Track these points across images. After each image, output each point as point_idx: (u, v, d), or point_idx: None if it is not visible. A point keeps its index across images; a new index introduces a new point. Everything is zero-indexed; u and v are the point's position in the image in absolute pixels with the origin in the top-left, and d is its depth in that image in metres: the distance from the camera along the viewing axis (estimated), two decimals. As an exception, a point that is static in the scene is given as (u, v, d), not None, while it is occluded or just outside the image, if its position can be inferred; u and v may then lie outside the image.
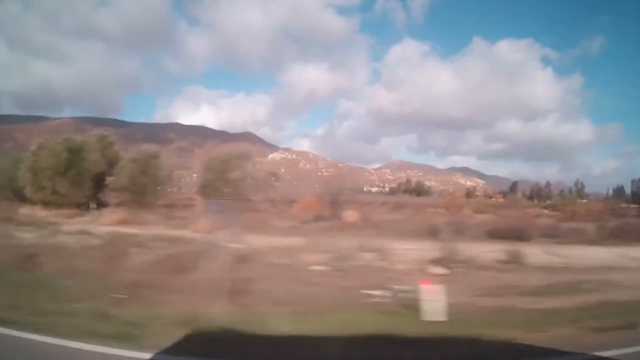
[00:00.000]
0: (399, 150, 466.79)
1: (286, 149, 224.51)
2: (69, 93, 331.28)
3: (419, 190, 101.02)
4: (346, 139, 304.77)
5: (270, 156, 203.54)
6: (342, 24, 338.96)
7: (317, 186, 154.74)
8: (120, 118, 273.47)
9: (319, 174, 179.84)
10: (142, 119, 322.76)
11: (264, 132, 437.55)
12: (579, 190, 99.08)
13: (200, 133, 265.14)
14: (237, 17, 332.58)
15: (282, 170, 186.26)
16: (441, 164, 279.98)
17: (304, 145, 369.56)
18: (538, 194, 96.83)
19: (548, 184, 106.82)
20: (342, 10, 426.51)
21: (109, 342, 4.96)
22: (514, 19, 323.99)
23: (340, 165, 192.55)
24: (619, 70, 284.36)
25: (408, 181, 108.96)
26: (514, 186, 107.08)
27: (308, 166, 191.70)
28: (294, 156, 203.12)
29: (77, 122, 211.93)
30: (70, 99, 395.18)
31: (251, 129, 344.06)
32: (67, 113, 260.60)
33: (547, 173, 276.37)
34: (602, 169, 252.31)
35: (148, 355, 4.53)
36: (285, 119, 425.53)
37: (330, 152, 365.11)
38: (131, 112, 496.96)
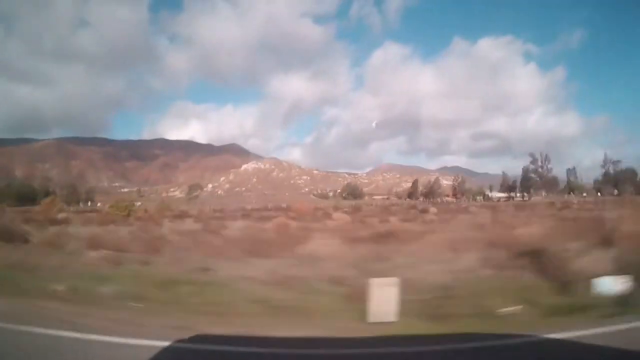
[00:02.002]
0: (389, 154, 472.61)
1: (271, 159, 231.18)
2: (54, 114, 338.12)
3: (355, 194, 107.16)
4: (335, 146, 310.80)
5: (243, 167, 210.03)
6: (320, 32, 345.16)
7: (286, 194, 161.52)
8: (106, 136, 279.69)
9: (292, 182, 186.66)
10: (131, 137, 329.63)
11: (253, 144, 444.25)
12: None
13: (186, 147, 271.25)
14: (213, 31, 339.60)
15: (254, 180, 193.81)
16: (433, 165, 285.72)
17: (295, 154, 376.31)
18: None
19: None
20: (318, 19, 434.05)
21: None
22: (492, 17, 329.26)
23: (315, 172, 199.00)
24: (601, 61, 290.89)
25: (351, 185, 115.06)
26: (504, 181, 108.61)
27: (281, 175, 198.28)
28: (267, 165, 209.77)
29: (62, 143, 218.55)
30: (56, 120, 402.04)
31: (240, 141, 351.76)
32: (54, 134, 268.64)
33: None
34: (591, 161, 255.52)
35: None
36: (273, 129, 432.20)
37: (319, 160, 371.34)
38: (119, 130, 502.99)
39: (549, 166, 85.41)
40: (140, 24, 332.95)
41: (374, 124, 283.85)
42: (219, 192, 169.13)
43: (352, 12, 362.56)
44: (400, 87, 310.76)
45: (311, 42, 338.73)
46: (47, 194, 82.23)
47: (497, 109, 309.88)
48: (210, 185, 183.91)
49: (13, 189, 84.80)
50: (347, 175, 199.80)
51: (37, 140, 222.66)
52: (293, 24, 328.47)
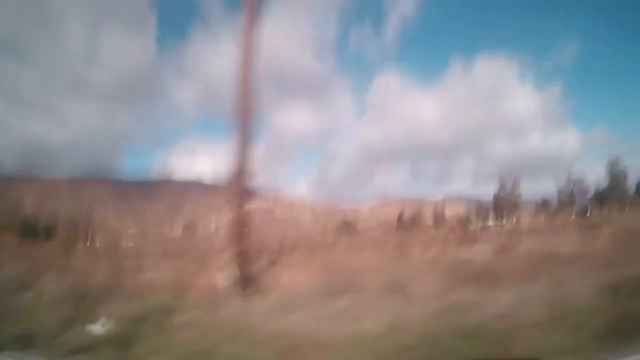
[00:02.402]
0: (393, 185, 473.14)
1: (274, 196, 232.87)
2: (65, 151, 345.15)
3: (347, 227, 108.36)
4: (340, 179, 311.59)
5: (244, 207, 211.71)
6: (319, 64, 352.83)
7: (290, 231, 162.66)
8: (115, 174, 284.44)
9: (294, 219, 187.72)
10: (139, 175, 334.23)
11: (257, 180, 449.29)
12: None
13: (192, 186, 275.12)
14: (218, 64, 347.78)
15: (257, 219, 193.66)
16: (437, 193, 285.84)
17: (299, 190, 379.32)
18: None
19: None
20: (317, 49, 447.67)
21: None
22: (487, 36, 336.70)
23: (317, 209, 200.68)
24: (596, 73, 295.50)
25: (346, 221, 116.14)
26: (477, 207, 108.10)
27: (283, 213, 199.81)
28: (270, 204, 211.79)
29: (70, 180, 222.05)
30: (67, 157, 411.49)
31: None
32: (64, 171, 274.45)
33: (544, 187, 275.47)
34: (595, 175, 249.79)
35: None
36: (277, 164, 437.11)
37: (324, 194, 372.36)
38: (129, 166, 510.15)
39: (518, 191, 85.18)
40: (148, 58, 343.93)
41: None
42: (221, 231, 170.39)
43: (351, 42, 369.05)
44: (401, 115, 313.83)
45: (312, 74, 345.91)
46: (51, 230, 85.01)
47: (497, 131, 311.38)
48: (213, 225, 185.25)
49: (16, 224, 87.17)
50: (348, 210, 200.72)
51: (46, 178, 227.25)
52: (293, 55, 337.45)
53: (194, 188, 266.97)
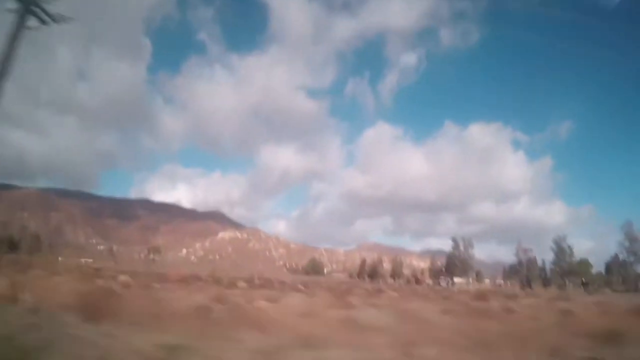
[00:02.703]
0: (374, 233, 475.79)
1: (252, 229, 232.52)
2: (42, 164, 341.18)
3: (315, 270, 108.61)
4: (321, 221, 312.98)
5: (220, 235, 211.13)
6: (313, 107, 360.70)
7: (260, 265, 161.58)
8: (91, 191, 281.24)
9: (267, 254, 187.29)
10: (117, 194, 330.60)
11: (238, 212, 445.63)
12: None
13: (170, 211, 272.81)
14: (209, 97, 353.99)
15: (229, 249, 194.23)
16: (417, 246, 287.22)
17: (280, 226, 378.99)
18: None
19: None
20: (312, 93, 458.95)
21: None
22: (484, 104, 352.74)
23: (292, 245, 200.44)
24: (588, 153, 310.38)
25: (313, 261, 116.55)
26: (432, 265, 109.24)
27: (257, 246, 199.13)
28: (245, 235, 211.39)
29: (45, 193, 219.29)
30: (43, 170, 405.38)
31: (225, 209, 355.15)
32: (40, 183, 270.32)
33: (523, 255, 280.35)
34: (577, 251, 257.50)
35: None
36: (260, 199, 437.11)
37: (304, 234, 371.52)
38: (105, 186, 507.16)
39: (471, 251, 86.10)
40: (138, 83, 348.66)
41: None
42: (192, 257, 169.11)
43: (347, 90, 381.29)
44: (389, 167, 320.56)
45: (304, 115, 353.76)
46: (12, 243, 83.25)
47: (484, 194, 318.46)
48: (184, 251, 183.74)
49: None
50: (324, 251, 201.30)
51: (21, 188, 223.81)
52: (288, 96, 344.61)
53: (172, 212, 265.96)
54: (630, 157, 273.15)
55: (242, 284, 32.59)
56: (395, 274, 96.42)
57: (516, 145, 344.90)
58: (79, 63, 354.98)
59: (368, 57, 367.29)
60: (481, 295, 21.47)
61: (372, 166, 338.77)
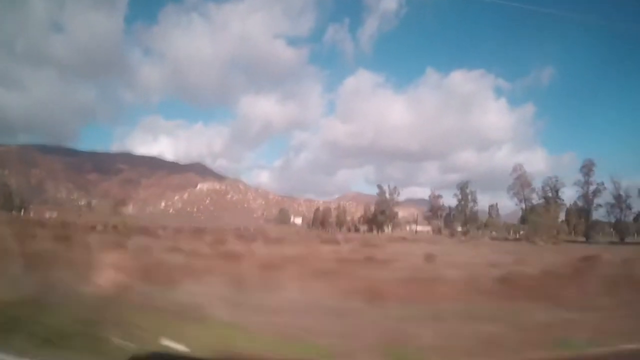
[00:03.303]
0: (357, 182, 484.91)
1: (234, 180, 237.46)
2: (20, 119, 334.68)
3: (283, 219, 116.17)
4: (303, 171, 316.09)
5: (198, 187, 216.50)
6: (292, 55, 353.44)
7: (237, 217, 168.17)
8: (71, 146, 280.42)
9: (245, 205, 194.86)
10: (97, 149, 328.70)
11: (220, 164, 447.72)
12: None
13: (151, 164, 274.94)
14: (187, 47, 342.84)
15: (207, 201, 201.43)
16: (400, 196, 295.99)
17: (262, 177, 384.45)
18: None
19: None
20: (292, 41, 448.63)
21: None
22: (465, 51, 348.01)
23: (271, 196, 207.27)
24: (569, 100, 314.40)
25: (282, 211, 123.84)
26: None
27: (236, 197, 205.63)
28: (223, 187, 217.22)
29: (24, 149, 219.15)
30: (22, 126, 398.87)
31: (208, 160, 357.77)
32: (19, 139, 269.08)
33: (507, 203, 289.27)
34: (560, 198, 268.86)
35: None
36: (242, 150, 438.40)
37: (287, 184, 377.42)
38: (86, 141, 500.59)
39: (397, 198, 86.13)
40: (114, 34, 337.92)
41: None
42: (171, 210, 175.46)
43: (327, 37, 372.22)
44: (371, 115, 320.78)
45: (283, 63, 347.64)
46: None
47: (465, 142, 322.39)
48: (163, 203, 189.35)
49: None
50: (302, 202, 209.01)
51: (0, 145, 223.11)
52: (265, 44, 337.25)
53: (153, 165, 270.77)
54: (612, 104, 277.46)
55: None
56: (340, 222, 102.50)
57: (498, 92, 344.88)
58: (53, 15, 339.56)
59: (347, 2, 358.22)
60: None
61: (353, 115, 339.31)
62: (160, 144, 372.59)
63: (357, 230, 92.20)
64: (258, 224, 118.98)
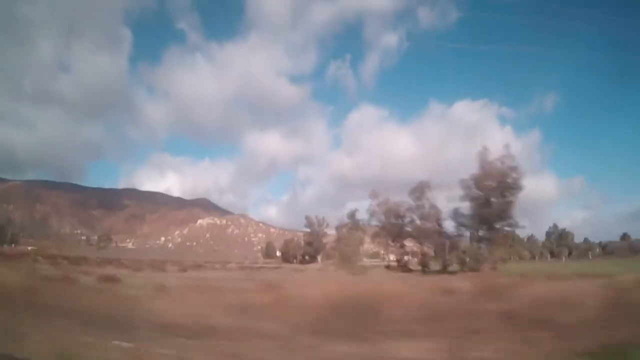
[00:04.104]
0: (364, 214, 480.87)
1: (240, 215, 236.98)
2: (29, 156, 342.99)
3: (269, 252, 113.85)
4: (310, 205, 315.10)
5: (198, 222, 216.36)
6: (296, 92, 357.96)
7: (236, 251, 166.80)
8: (78, 183, 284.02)
9: (246, 239, 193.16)
10: (104, 185, 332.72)
11: (228, 199, 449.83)
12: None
13: (157, 200, 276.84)
14: (191, 85, 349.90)
15: (207, 235, 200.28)
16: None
17: (271, 212, 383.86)
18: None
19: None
20: (295, 78, 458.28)
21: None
22: (468, 81, 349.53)
23: (272, 230, 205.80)
24: (575, 124, 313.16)
25: (269, 245, 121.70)
26: None
27: (236, 232, 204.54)
28: (224, 222, 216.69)
29: (31, 185, 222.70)
30: (30, 162, 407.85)
31: (214, 196, 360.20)
32: (27, 176, 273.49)
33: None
34: (570, 221, 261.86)
35: None
36: (249, 185, 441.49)
37: (295, 218, 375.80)
38: (93, 177, 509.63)
39: (325, 230, 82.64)
40: (120, 74, 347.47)
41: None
42: (170, 245, 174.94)
43: (329, 74, 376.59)
44: (376, 148, 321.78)
45: (287, 100, 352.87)
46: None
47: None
48: (162, 238, 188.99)
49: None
50: (303, 235, 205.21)
51: (7, 181, 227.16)
52: (269, 82, 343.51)
53: (159, 201, 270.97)
54: (618, 125, 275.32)
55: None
56: (293, 253, 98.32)
57: (502, 120, 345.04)
58: (61, 55, 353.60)
59: (348, 39, 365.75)
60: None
61: (358, 148, 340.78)
62: (168, 180, 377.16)
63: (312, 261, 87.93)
64: (254, 257, 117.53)
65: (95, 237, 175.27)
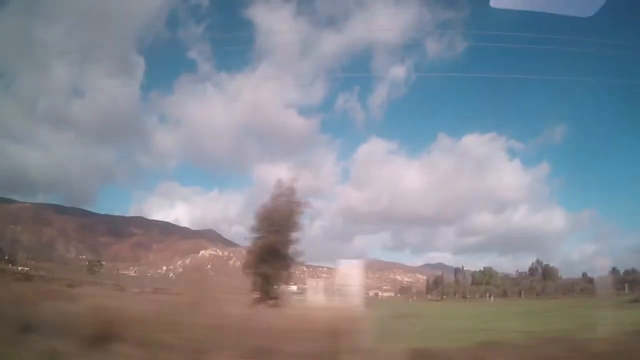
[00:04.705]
0: (374, 249, 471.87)
1: (235, 247, 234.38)
2: (42, 179, 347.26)
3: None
4: (318, 238, 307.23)
5: (201, 253, 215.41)
6: (304, 123, 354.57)
7: (235, 282, 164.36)
8: (87, 208, 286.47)
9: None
10: (113, 211, 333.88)
11: (236, 230, 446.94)
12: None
13: (164, 229, 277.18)
14: (201, 115, 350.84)
15: (209, 266, 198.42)
16: (418, 261, 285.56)
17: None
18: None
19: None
20: (302, 110, 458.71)
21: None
22: (476, 114, 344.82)
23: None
24: (584, 156, 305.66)
25: None
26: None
27: (238, 263, 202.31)
28: (226, 253, 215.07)
29: (40, 208, 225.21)
30: (43, 185, 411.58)
31: (224, 227, 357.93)
32: (38, 198, 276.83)
33: (526, 263, 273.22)
34: (580, 255, 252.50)
35: None
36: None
37: (304, 252, 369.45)
38: (105, 204, 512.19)
39: None
40: (132, 101, 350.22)
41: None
42: (171, 275, 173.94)
43: (337, 106, 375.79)
44: (385, 181, 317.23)
45: (296, 132, 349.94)
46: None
47: (481, 205, 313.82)
48: (164, 268, 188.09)
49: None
50: (305, 268, 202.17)
51: (17, 202, 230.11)
52: (278, 114, 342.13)
53: (166, 230, 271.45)
54: (628, 156, 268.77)
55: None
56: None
57: (511, 153, 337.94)
58: (74, 80, 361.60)
59: (356, 71, 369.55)
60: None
61: (367, 181, 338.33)
62: (177, 209, 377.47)
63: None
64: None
65: (100, 263, 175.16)
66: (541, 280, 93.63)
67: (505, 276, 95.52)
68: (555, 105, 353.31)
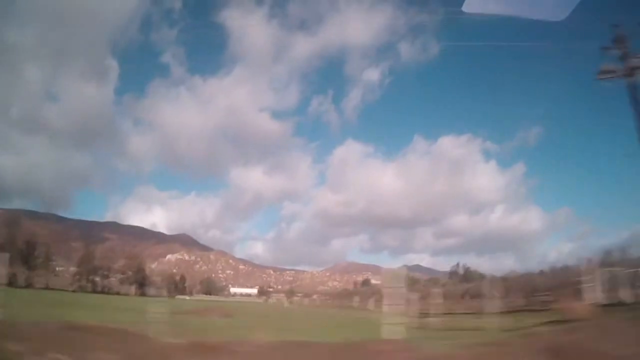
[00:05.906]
0: (352, 252, 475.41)
1: (219, 252, 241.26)
2: (14, 184, 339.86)
3: (210, 290, 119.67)
4: (296, 242, 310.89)
5: (167, 257, 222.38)
6: (278, 127, 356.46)
7: (198, 286, 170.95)
8: (61, 214, 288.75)
9: (213, 275, 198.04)
10: (89, 216, 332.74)
11: (213, 235, 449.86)
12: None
13: (138, 234, 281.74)
14: (174, 119, 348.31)
15: (174, 270, 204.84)
16: (396, 263, 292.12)
17: (257, 248, 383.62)
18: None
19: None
20: (276, 114, 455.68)
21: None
22: (451, 116, 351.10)
23: (241, 267, 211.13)
24: (559, 156, 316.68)
25: (207, 280, 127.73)
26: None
27: (204, 268, 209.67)
28: (193, 258, 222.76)
29: (12, 214, 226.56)
30: (18, 190, 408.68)
31: (200, 232, 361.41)
32: (15, 204, 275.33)
33: (504, 264, 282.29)
34: (558, 254, 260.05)
35: None
36: (234, 221, 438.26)
37: (282, 255, 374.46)
38: (80, 209, 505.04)
39: None
40: (106, 104, 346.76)
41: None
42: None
43: (311, 109, 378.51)
44: (362, 184, 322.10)
45: (271, 136, 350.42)
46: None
47: (458, 206, 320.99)
48: (129, 272, 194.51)
49: None
50: (272, 272, 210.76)
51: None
52: (252, 117, 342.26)
53: (140, 235, 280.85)
54: (601, 155, 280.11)
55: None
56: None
57: (487, 155, 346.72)
58: (48, 84, 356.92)
59: (330, 75, 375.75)
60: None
61: (343, 184, 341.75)
62: (154, 214, 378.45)
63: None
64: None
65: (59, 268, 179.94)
66: (459, 283, 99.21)
67: (431, 279, 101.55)
68: (530, 106, 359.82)
